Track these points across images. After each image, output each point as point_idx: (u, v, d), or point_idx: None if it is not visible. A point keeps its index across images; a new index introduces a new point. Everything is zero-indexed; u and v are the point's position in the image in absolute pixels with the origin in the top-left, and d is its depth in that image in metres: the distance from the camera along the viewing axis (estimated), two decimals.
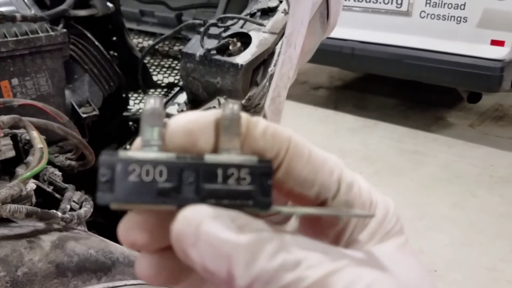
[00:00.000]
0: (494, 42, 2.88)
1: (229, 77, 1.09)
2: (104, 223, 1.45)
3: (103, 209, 1.41)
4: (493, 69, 2.84)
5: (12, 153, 0.66)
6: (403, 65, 3.12)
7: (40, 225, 0.73)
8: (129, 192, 0.21)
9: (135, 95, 1.72)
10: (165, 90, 1.65)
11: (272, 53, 1.09)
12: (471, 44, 2.92)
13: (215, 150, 0.22)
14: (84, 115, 1.00)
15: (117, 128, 1.36)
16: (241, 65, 1.06)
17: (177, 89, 1.54)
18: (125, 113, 1.37)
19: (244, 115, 0.23)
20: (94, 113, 1.02)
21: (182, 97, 1.50)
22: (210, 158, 0.22)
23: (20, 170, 0.68)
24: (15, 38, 0.87)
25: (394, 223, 0.26)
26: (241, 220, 0.21)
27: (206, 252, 0.20)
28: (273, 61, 1.06)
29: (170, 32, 1.27)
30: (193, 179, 0.21)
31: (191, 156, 0.22)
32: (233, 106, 0.22)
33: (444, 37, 3.00)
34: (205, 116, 0.23)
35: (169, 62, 1.79)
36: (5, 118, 0.67)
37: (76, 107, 1.00)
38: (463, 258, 2.07)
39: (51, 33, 0.91)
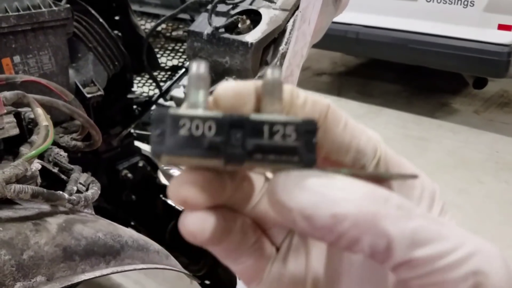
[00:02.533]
0: (502, 27, 2.83)
1: (238, 56, 1.05)
2: (109, 208, 1.43)
3: (107, 194, 1.38)
4: (500, 54, 2.80)
5: (15, 131, 0.63)
6: (408, 50, 3.07)
7: (46, 207, 0.70)
8: (179, 145, 0.21)
9: (139, 78, 1.68)
10: (169, 73, 1.62)
11: (283, 31, 1.05)
12: (477, 29, 2.87)
13: (259, 112, 0.23)
14: (88, 95, 0.96)
15: (121, 111, 1.32)
16: (251, 43, 1.02)
17: (182, 71, 1.50)
18: (129, 96, 1.33)
19: (288, 86, 0.24)
20: (99, 93, 0.98)
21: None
22: (256, 116, 0.22)
23: (24, 149, 0.65)
24: (16, 13, 0.83)
25: (443, 204, 0.26)
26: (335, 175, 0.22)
27: (308, 200, 0.20)
28: (285, 40, 1.02)
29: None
30: (240, 135, 0.22)
31: (238, 114, 0.22)
32: (274, 71, 0.23)
33: (451, 21, 2.95)
34: (250, 83, 0.24)
35: (172, 45, 1.74)
36: (8, 94, 0.64)
37: (80, 87, 0.96)
38: None
39: (54, 8, 0.87)
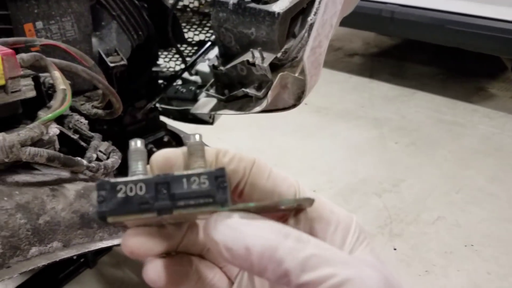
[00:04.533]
0: None
1: (264, 27, 1.01)
2: None
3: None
4: None
5: (32, 93, 0.61)
6: (445, 31, 2.94)
7: (65, 174, 0.69)
8: (118, 205, 0.26)
9: (165, 53, 1.66)
10: (196, 48, 1.59)
11: (312, 1, 1.00)
12: None
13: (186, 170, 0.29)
14: (112, 65, 0.94)
15: (146, 84, 1.31)
16: (278, 13, 0.98)
17: (208, 44, 1.47)
18: (154, 69, 1.32)
19: (214, 149, 0.30)
20: (122, 62, 0.97)
21: (214, 53, 1.43)
22: (177, 173, 0.27)
23: (41, 113, 0.64)
24: None
25: (359, 233, 0.30)
26: (249, 213, 0.27)
27: (227, 233, 0.25)
28: (313, 10, 0.97)
29: None
30: (166, 190, 0.27)
31: (164, 173, 0.28)
32: (196, 136, 0.30)
33: (490, 1, 2.81)
34: (178, 150, 0.30)
35: (200, 19, 1.72)
36: (25, 55, 0.62)
37: (103, 55, 0.95)
38: (501, 233, 1.98)
39: None
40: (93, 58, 0.92)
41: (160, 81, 1.42)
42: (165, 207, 0.26)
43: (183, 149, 0.30)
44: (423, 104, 3.08)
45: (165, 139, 1.43)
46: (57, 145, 0.65)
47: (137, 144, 0.29)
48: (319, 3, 0.97)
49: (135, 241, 0.27)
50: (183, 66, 1.51)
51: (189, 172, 0.27)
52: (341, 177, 2.32)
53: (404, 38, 3.77)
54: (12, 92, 0.59)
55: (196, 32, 1.66)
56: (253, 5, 1.03)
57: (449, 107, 3.05)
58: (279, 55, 1.01)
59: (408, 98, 3.17)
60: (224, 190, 0.27)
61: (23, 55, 0.62)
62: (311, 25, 0.97)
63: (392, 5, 3.05)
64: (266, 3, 1.05)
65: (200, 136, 0.30)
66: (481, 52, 3.07)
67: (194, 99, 1.44)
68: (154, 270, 0.28)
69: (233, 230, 0.25)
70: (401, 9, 3.05)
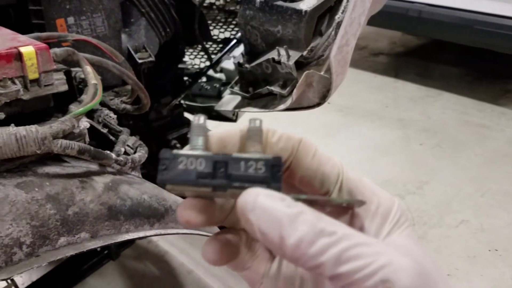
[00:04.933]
0: None
1: (291, 25, 1.01)
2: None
3: (156, 162, 1.40)
4: None
5: (64, 87, 0.63)
6: (474, 32, 2.88)
7: (94, 167, 0.71)
8: (177, 176, 0.28)
9: (191, 50, 1.68)
10: (221, 45, 1.60)
11: None
12: None
13: (241, 152, 0.31)
14: (140, 61, 0.96)
15: (172, 80, 1.32)
16: (305, 11, 0.97)
17: (232, 42, 1.47)
18: (180, 66, 1.33)
19: (265, 128, 0.31)
20: (150, 59, 0.98)
21: (239, 51, 1.44)
22: (236, 155, 0.29)
23: (73, 107, 0.65)
24: None
25: (399, 217, 0.30)
26: (288, 199, 0.27)
27: (262, 217, 0.26)
28: (341, 8, 0.97)
29: None
30: (223, 169, 0.28)
31: (223, 153, 0.29)
32: (256, 121, 0.31)
33: None
34: (235, 130, 0.31)
35: (225, 17, 1.72)
36: (58, 50, 0.64)
37: (132, 52, 0.96)
38: None
39: None
40: (122, 54, 0.94)
41: (185, 78, 1.43)
42: (221, 185, 0.28)
43: (239, 131, 0.31)
44: (449, 105, 3.03)
45: (189, 135, 1.45)
46: (87, 139, 0.66)
47: (200, 120, 0.31)
48: (348, 1, 0.97)
49: (190, 213, 0.30)
50: (208, 63, 1.52)
51: (248, 156, 0.29)
52: None
53: (431, 38, 3.70)
54: (45, 85, 0.61)
55: (222, 30, 1.67)
56: (280, 2, 1.03)
57: (476, 109, 2.99)
58: (305, 53, 1.01)
59: (434, 99, 3.12)
60: (279, 179, 0.28)
61: (56, 50, 0.64)
62: (339, 24, 0.96)
63: (420, 4, 3.01)
64: (293, 1, 1.05)
65: (261, 121, 0.31)
66: (510, 54, 3.00)
67: (218, 96, 1.45)
68: (213, 250, 0.31)
69: (270, 216, 0.26)
70: (429, 8, 3.00)
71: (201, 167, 0.28)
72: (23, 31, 0.74)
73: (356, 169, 2.36)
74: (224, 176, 0.28)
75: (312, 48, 1.01)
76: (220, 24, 1.70)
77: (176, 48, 1.25)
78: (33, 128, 0.55)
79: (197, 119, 0.31)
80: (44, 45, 0.60)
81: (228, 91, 1.38)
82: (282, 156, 0.29)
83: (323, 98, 0.98)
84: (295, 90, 0.96)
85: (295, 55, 1.00)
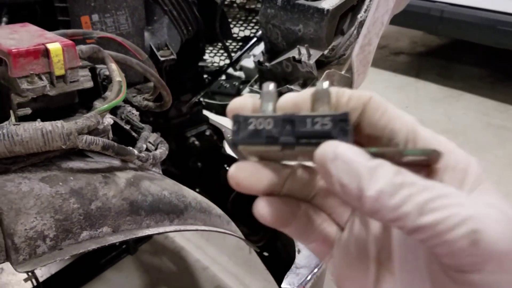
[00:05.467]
0: None
1: (312, 24, 1.00)
2: (176, 172, 1.46)
3: (175, 159, 1.41)
4: None
5: (90, 84, 0.64)
6: (497, 32, 2.83)
7: (116, 162, 0.72)
8: (248, 136, 0.30)
9: (210, 48, 1.68)
10: (240, 44, 1.60)
11: None
12: None
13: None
14: (162, 59, 0.97)
15: (192, 78, 1.33)
16: (327, 10, 0.97)
17: (253, 40, 1.48)
18: (200, 64, 1.34)
19: (335, 88, 0.31)
20: (172, 57, 0.99)
21: (259, 49, 1.44)
22: (303, 113, 0.30)
23: (97, 103, 0.66)
24: None
25: (478, 175, 0.29)
26: (366, 153, 0.26)
27: (342, 168, 0.25)
28: (364, 7, 0.96)
29: None
30: (290, 127, 0.29)
31: (290, 113, 0.30)
32: (324, 83, 0.31)
33: None
34: (305, 92, 0.32)
35: (245, 15, 1.73)
36: (83, 47, 0.65)
37: (154, 49, 0.97)
38: None
39: None
40: (144, 51, 0.95)
41: (205, 76, 1.44)
42: (289, 142, 0.29)
43: (308, 93, 0.31)
44: (471, 106, 2.98)
45: (207, 132, 1.45)
46: (110, 135, 0.67)
47: (269, 87, 0.32)
48: (370, 1, 0.96)
49: (243, 172, 0.30)
50: (227, 61, 1.52)
51: (314, 113, 0.29)
52: None
53: (452, 37, 3.65)
54: (71, 82, 0.62)
55: (242, 28, 1.67)
56: (302, 1, 1.03)
57: (498, 111, 2.93)
58: (326, 52, 1.00)
59: (455, 100, 3.07)
60: (346, 133, 0.28)
61: (82, 47, 0.65)
62: (361, 23, 0.96)
63: (442, 3, 2.96)
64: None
65: (328, 83, 0.31)
66: None
67: (237, 94, 1.45)
68: (264, 205, 0.30)
69: (351, 167, 0.25)
70: (451, 8, 2.95)
71: (269, 127, 0.29)
72: (48, 28, 0.76)
73: None
74: (291, 133, 0.29)
75: (334, 47, 1.00)
76: (240, 22, 1.71)
77: (196, 46, 1.26)
78: (58, 123, 0.56)
79: (266, 86, 0.32)
80: (70, 42, 0.61)
81: (247, 89, 1.39)
82: (350, 112, 0.28)
83: None
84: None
85: (316, 54, 1.00)
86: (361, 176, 0.25)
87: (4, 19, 0.82)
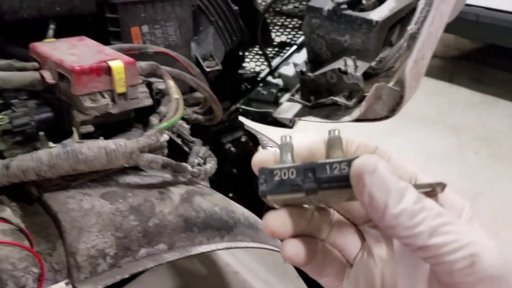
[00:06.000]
0: None
1: (360, 35, 0.99)
2: (212, 178, 1.46)
3: (219, 171, 1.40)
4: None
5: (149, 101, 0.64)
6: None
7: (169, 176, 0.72)
8: (275, 186, 0.32)
9: (246, 53, 1.68)
10: (276, 49, 1.59)
11: (413, 9, 0.97)
12: None
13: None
14: (208, 69, 0.96)
15: (231, 85, 1.33)
16: (376, 21, 0.95)
17: (292, 48, 1.46)
18: (240, 71, 1.33)
19: (344, 138, 0.35)
20: (217, 68, 0.98)
21: (299, 57, 1.42)
22: (321, 161, 0.32)
23: (154, 119, 0.66)
24: None
25: (471, 215, 0.33)
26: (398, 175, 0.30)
27: (376, 182, 0.28)
28: (414, 19, 0.94)
29: None
30: (312, 174, 0.32)
31: (309, 162, 0.33)
32: (335, 131, 0.35)
33: None
34: (318, 140, 0.35)
35: (282, 20, 1.71)
36: (143, 64, 0.65)
37: (200, 60, 0.97)
38: None
39: None
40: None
41: (245, 84, 1.43)
42: (312, 188, 0.32)
43: (322, 141, 0.35)
44: (506, 113, 2.90)
45: (243, 139, 1.45)
46: (166, 151, 0.67)
47: (287, 139, 0.35)
48: (421, 12, 0.94)
49: (275, 222, 0.33)
50: (263, 67, 1.51)
51: (331, 160, 0.32)
52: None
53: (487, 42, 3.56)
54: (131, 99, 0.62)
55: (278, 33, 1.66)
56: (349, 12, 1.02)
57: None
58: (373, 64, 0.98)
59: (490, 106, 2.99)
60: None
61: (142, 64, 0.65)
62: (412, 35, 0.94)
63: (478, 8, 2.89)
64: (362, 10, 1.03)
65: (339, 131, 0.35)
66: None
67: (275, 102, 1.44)
68: (290, 248, 0.34)
69: (384, 183, 0.28)
70: (487, 12, 2.88)
71: (293, 176, 0.32)
72: (99, 39, 0.76)
73: None
74: (314, 180, 0.32)
75: (381, 59, 0.98)
76: (276, 27, 1.69)
77: (237, 53, 1.26)
78: (121, 142, 0.57)
79: (284, 138, 0.35)
80: (131, 59, 0.61)
81: (285, 97, 1.37)
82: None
83: (392, 111, 0.95)
84: (363, 103, 0.94)
85: (363, 66, 0.98)
86: (390, 193, 0.28)
87: (51, 28, 0.83)
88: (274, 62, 1.42)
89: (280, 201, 0.34)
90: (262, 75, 1.48)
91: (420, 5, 0.95)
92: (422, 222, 0.27)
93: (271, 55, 1.57)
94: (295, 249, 0.34)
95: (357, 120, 1.03)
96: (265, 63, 1.54)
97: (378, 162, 0.29)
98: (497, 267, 0.27)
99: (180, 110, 0.62)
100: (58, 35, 0.85)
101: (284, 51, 1.61)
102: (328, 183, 0.31)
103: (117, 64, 0.59)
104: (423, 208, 0.28)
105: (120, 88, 0.60)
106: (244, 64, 1.59)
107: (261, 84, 1.50)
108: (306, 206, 0.35)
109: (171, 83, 0.64)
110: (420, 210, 0.28)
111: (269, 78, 1.48)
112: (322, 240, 0.37)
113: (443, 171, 2.33)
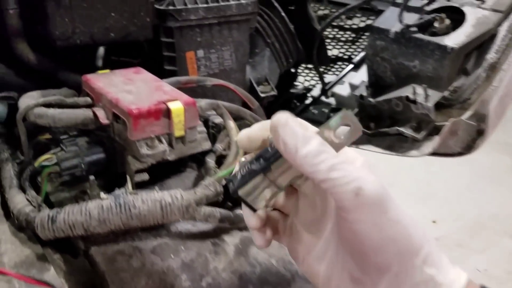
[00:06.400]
0: None
1: (432, 61, 0.89)
2: None
3: None
4: None
5: (208, 145, 0.58)
6: None
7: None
8: (239, 182, 0.39)
9: (299, 70, 1.60)
10: (330, 65, 1.51)
11: (493, 36, 0.87)
12: None
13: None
14: (262, 95, 0.90)
15: (283, 103, 1.26)
16: (452, 48, 0.86)
17: (348, 67, 1.38)
18: (292, 90, 1.26)
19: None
20: (272, 93, 0.92)
21: (356, 77, 1.34)
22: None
23: (210, 160, 0.60)
24: (205, 5, 0.79)
25: (364, 161, 0.40)
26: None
27: (288, 132, 0.35)
28: (495, 47, 0.84)
29: (358, 1, 1.10)
30: (261, 159, 0.38)
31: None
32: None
33: None
34: (256, 125, 0.43)
35: (333, 33, 1.63)
36: (204, 104, 0.59)
37: (255, 84, 0.90)
38: None
39: (242, 1, 0.81)
40: (245, 87, 0.89)
41: (295, 101, 1.36)
42: (264, 167, 0.37)
43: (263, 127, 0.41)
44: None
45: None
46: (221, 196, 0.61)
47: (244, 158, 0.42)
48: (503, 40, 0.84)
49: (251, 221, 0.42)
50: (313, 82, 1.44)
51: (271, 142, 0.37)
52: (467, 209, 2.10)
53: None
54: (189, 142, 0.56)
55: (329, 47, 1.58)
56: (420, 35, 0.92)
57: None
58: (446, 94, 0.89)
59: None
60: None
61: (202, 104, 0.59)
62: (492, 65, 0.84)
63: None
64: (434, 34, 0.94)
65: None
66: None
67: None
68: (261, 239, 0.43)
69: (294, 133, 0.35)
70: None
71: (249, 166, 0.38)
72: (153, 64, 0.71)
73: (459, 198, 2.17)
74: (263, 161, 0.37)
75: (456, 88, 0.89)
76: (328, 40, 1.61)
77: (289, 72, 1.19)
78: (178, 194, 0.51)
79: (243, 159, 0.42)
80: (191, 100, 0.55)
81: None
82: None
83: (468, 148, 0.86)
84: (437, 138, 0.84)
85: (435, 95, 0.89)
86: (298, 139, 0.34)
87: (101, 51, 0.78)
88: (327, 79, 1.34)
89: (250, 195, 0.38)
90: (313, 92, 1.40)
91: (502, 32, 0.85)
92: (323, 161, 0.34)
93: (321, 68, 1.49)
94: (264, 239, 0.43)
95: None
96: (315, 77, 1.46)
97: (289, 117, 0.35)
98: (374, 197, 0.34)
99: (240, 155, 0.56)
100: (108, 56, 0.80)
101: (336, 66, 1.52)
102: (273, 157, 0.37)
103: (177, 106, 0.53)
104: (324, 151, 0.34)
105: (178, 132, 0.54)
106: (300, 85, 1.52)
107: (314, 106, 1.42)
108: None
109: (231, 124, 0.58)
110: (322, 151, 0.34)
111: (323, 98, 1.40)
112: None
113: (498, 193, 2.19)
